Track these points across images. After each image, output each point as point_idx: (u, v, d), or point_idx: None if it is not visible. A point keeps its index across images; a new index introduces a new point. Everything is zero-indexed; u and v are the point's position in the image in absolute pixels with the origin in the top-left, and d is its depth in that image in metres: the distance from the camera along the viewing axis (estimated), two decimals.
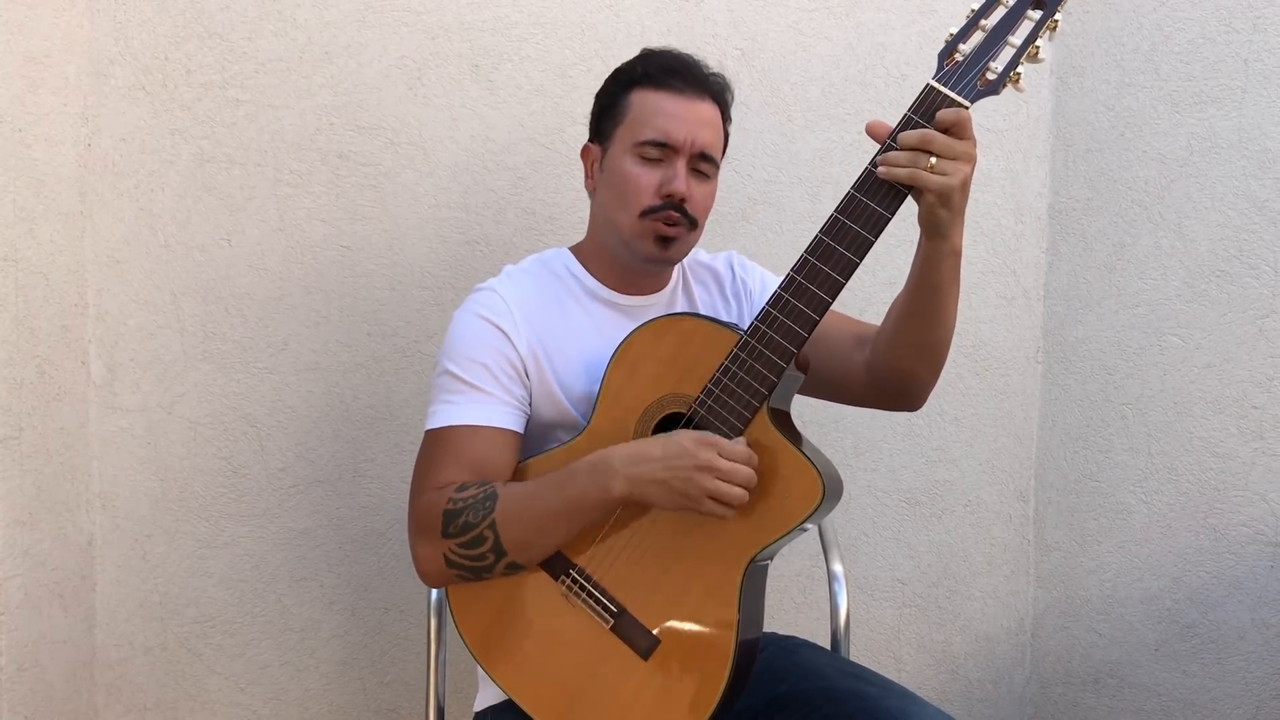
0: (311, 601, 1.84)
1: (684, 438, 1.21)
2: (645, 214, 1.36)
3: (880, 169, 1.17)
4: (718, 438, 1.21)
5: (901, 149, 1.16)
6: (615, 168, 1.40)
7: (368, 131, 1.79)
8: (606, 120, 1.43)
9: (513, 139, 1.85)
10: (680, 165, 1.36)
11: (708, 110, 1.39)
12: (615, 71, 1.45)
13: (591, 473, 1.25)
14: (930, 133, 1.15)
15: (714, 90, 1.41)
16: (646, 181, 1.36)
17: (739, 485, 1.19)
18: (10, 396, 1.53)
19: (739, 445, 1.21)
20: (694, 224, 1.39)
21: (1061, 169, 2.15)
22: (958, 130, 1.15)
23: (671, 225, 1.36)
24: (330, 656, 1.86)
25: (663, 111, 1.37)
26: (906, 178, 1.15)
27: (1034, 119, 2.14)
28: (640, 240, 1.37)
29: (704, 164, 1.39)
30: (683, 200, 1.36)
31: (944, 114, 1.15)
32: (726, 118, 1.44)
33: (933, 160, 1.14)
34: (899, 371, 1.35)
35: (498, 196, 1.86)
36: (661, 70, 1.39)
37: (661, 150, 1.37)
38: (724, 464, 1.19)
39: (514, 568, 1.29)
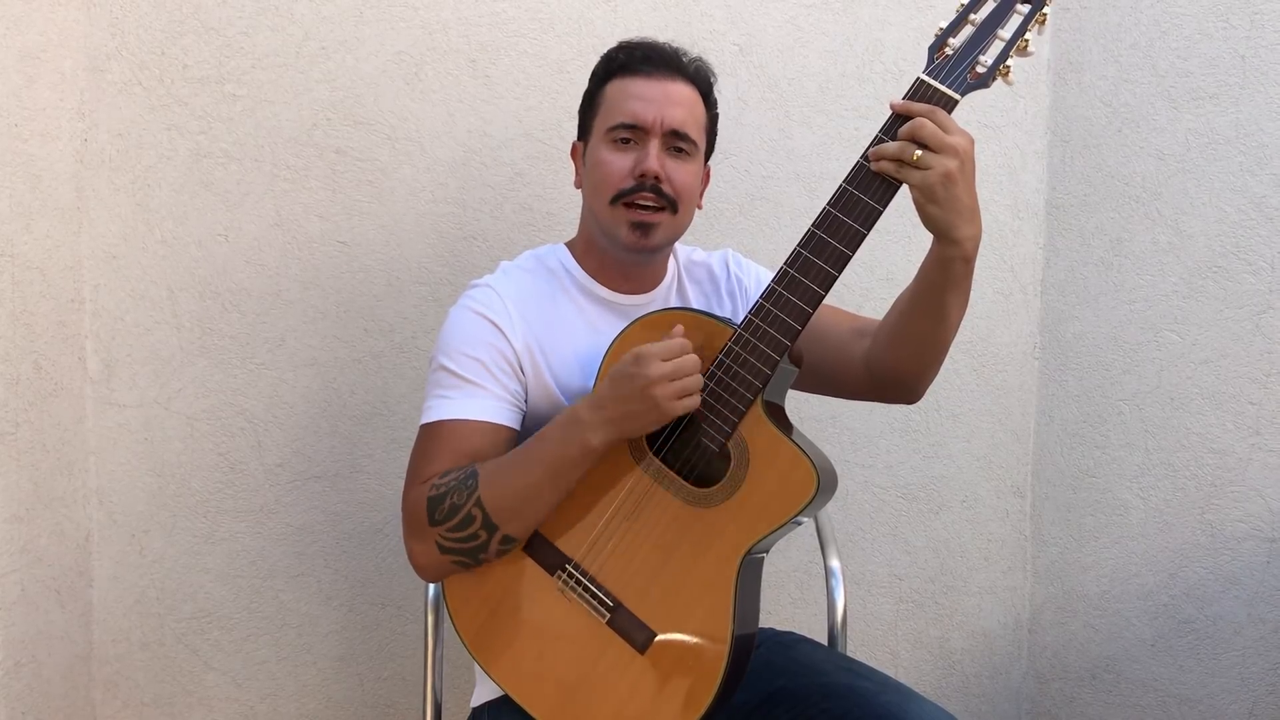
0: (309, 597, 1.84)
1: (622, 365, 1.23)
2: (618, 198, 1.35)
3: (871, 162, 1.18)
4: (647, 347, 1.22)
5: (895, 140, 1.17)
6: (592, 158, 1.40)
7: (365, 127, 1.79)
8: (587, 115, 1.44)
9: (510, 134, 1.85)
10: (652, 145, 1.35)
11: (680, 90, 1.38)
12: (594, 67, 1.44)
13: (565, 431, 1.26)
14: (920, 122, 1.15)
15: (689, 71, 1.40)
16: (619, 165, 1.36)
17: (691, 373, 1.22)
18: (7, 392, 1.53)
19: (667, 342, 1.22)
20: (674, 208, 1.37)
21: (1059, 165, 2.15)
22: (945, 123, 1.15)
23: (646, 209, 1.35)
24: (327, 652, 1.86)
25: (631, 95, 1.37)
26: (891, 171, 1.17)
27: (1031, 115, 2.14)
28: (616, 227, 1.36)
29: (680, 142, 1.37)
30: (657, 179, 1.35)
31: (914, 105, 1.17)
32: (709, 101, 1.43)
33: (918, 153, 1.14)
34: (897, 365, 1.35)
35: (495, 192, 1.86)
36: (633, 58, 1.39)
37: (632, 132, 1.36)
38: (669, 366, 1.21)
39: (508, 541, 1.28)
